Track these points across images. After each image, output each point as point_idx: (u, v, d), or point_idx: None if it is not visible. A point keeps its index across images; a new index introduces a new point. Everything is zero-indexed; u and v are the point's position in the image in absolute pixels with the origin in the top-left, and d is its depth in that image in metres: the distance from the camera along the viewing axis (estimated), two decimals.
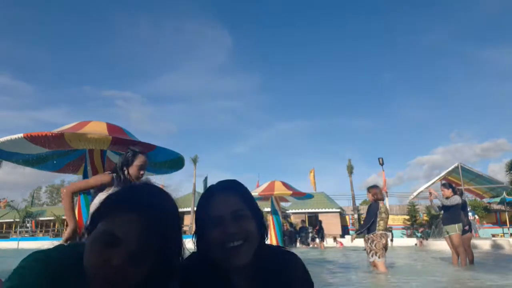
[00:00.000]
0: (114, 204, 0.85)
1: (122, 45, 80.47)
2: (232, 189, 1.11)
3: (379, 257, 5.83)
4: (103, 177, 2.96)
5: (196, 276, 1.05)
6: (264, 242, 1.12)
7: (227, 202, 1.06)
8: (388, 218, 6.14)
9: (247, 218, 1.05)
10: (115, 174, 2.98)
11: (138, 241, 0.79)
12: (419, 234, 17.41)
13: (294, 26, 77.17)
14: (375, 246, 5.89)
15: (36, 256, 0.79)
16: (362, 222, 6.32)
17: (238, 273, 1.06)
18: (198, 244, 1.10)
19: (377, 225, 5.91)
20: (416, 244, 17.09)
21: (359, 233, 6.35)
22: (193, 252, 1.13)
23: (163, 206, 0.87)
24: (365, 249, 6.13)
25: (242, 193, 1.11)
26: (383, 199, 6.29)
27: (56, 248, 0.84)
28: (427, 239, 16.60)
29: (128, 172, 2.98)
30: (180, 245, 0.92)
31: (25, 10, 76.40)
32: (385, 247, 5.94)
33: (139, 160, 3.03)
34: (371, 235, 5.96)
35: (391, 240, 16.80)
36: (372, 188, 6.33)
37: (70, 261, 0.80)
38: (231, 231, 1.01)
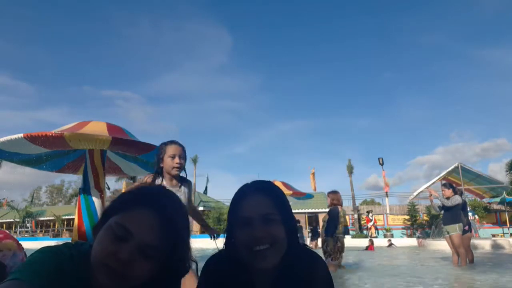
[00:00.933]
0: (129, 200, 0.86)
1: (122, 45, 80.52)
2: (265, 191, 1.10)
3: (332, 259, 6.12)
4: (145, 180, 2.72)
5: (220, 274, 1.07)
6: (294, 247, 1.09)
7: (258, 204, 1.05)
8: (345, 221, 6.60)
9: (277, 223, 1.04)
10: (156, 174, 2.70)
11: (148, 237, 0.79)
12: (418, 235, 17.40)
13: (294, 26, 77.21)
14: (329, 248, 6.23)
15: (46, 249, 0.81)
16: (321, 229, 6.73)
17: (262, 275, 1.06)
18: (227, 242, 1.10)
19: (335, 228, 6.25)
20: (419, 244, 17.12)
21: (327, 237, 6.47)
22: (220, 250, 1.14)
23: (176, 207, 0.89)
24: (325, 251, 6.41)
25: (274, 196, 1.10)
26: (341, 204, 6.66)
27: (65, 244, 0.86)
28: (425, 239, 16.60)
29: (163, 167, 2.66)
30: (187, 249, 0.92)
31: (25, 9, 76.43)
32: (340, 250, 6.24)
33: (170, 150, 2.65)
34: (328, 238, 6.29)
35: (391, 243, 16.83)
36: (332, 194, 6.65)
37: (78, 256, 0.82)
38: (259, 234, 1.01)
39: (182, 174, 2.77)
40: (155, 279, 0.84)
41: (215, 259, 1.14)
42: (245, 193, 1.10)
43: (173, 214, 0.86)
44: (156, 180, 2.66)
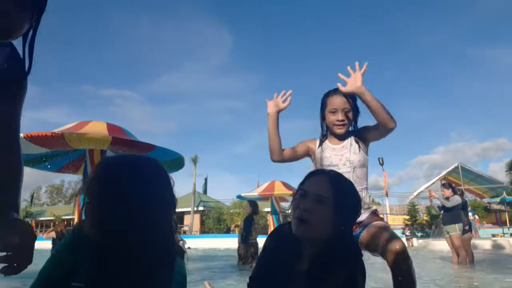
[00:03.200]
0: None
1: (123, 45, 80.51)
2: (333, 178, 1.28)
3: (243, 263, 6.83)
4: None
5: (279, 241, 1.30)
6: (340, 234, 1.22)
7: (320, 185, 1.23)
8: (259, 229, 7.43)
9: (325, 205, 1.19)
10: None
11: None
12: (407, 233, 16.82)
13: (295, 26, 77.18)
14: (242, 253, 6.96)
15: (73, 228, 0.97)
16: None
17: (308, 248, 1.23)
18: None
19: (249, 235, 6.95)
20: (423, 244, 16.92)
21: (241, 243, 7.17)
22: (285, 223, 1.38)
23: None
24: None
25: (339, 187, 1.25)
26: (258, 213, 7.52)
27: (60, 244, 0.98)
28: (413, 238, 16.44)
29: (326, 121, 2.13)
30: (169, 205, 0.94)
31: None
32: (253, 256, 6.79)
33: (330, 102, 2.08)
34: (242, 244, 6.98)
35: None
36: (249, 204, 7.48)
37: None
38: (304, 206, 1.21)
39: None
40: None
41: (280, 228, 1.37)
42: (317, 173, 1.34)
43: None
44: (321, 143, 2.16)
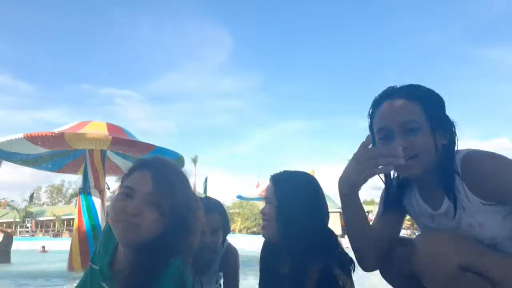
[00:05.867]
0: (129, 169, 1.02)
1: (123, 45, 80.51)
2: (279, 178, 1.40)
3: None
4: None
5: (267, 248, 1.46)
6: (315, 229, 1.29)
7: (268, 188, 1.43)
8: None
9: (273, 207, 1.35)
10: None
11: (146, 187, 0.93)
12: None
13: (295, 26, 77.17)
14: None
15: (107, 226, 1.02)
16: None
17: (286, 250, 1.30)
18: None
19: None
20: None
21: None
22: None
23: (170, 167, 1.03)
24: None
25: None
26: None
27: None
28: None
29: None
30: (188, 199, 1.00)
31: (25, 9, 76.42)
32: None
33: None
34: None
35: None
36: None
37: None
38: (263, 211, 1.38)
39: None
40: (166, 234, 0.93)
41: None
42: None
43: (168, 171, 1.00)
44: None
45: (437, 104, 1.17)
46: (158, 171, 0.97)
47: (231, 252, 1.75)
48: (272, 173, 1.40)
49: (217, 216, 1.60)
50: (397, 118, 1.11)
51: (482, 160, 1.08)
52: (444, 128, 1.14)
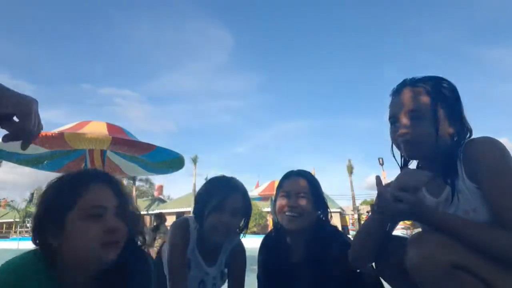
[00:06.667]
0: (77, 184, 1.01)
1: (123, 44, 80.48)
2: (304, 176, 1.65)
3: None
4: None
5: (270, 241, 1.68)
6: (321, 222, 1.61)
7: (298, 183, 1.61)
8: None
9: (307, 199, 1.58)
10: None
11: (113, 201, 0.95)
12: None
13: (296, 26, 77.18)
14: None
15: (4, 268, 0.85)
16: None
17: (295, 238, 1.57)
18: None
19: (155, 242, 7.46)
20: None
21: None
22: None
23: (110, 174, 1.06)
24: None
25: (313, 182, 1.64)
26: (166, 220, 8.17)
27: (21, 256, 0.91)
28: None
29: None
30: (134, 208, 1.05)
31: (25, 9, 76.45)
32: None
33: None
34: (150, 249, 7.56)
35: None
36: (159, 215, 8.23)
37: (33, 264, 0.87)
38: (292, 204, 1.56)
39: None
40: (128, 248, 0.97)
41: (268, 235, 1.73)
42: (288, 175, 1.68)
43: (116, 180, 1.03)
44: None
45: (447, 93, 1.18)
46: (114, 183, 1.01)
47: (240, 250, 1.67)
48: (288, 170, 1.68)
49: (239, 197, 1.53)
50: (402, 106, 1.17)
51: (478, 143, 1.10)
52: (453, 117, 1.16)
